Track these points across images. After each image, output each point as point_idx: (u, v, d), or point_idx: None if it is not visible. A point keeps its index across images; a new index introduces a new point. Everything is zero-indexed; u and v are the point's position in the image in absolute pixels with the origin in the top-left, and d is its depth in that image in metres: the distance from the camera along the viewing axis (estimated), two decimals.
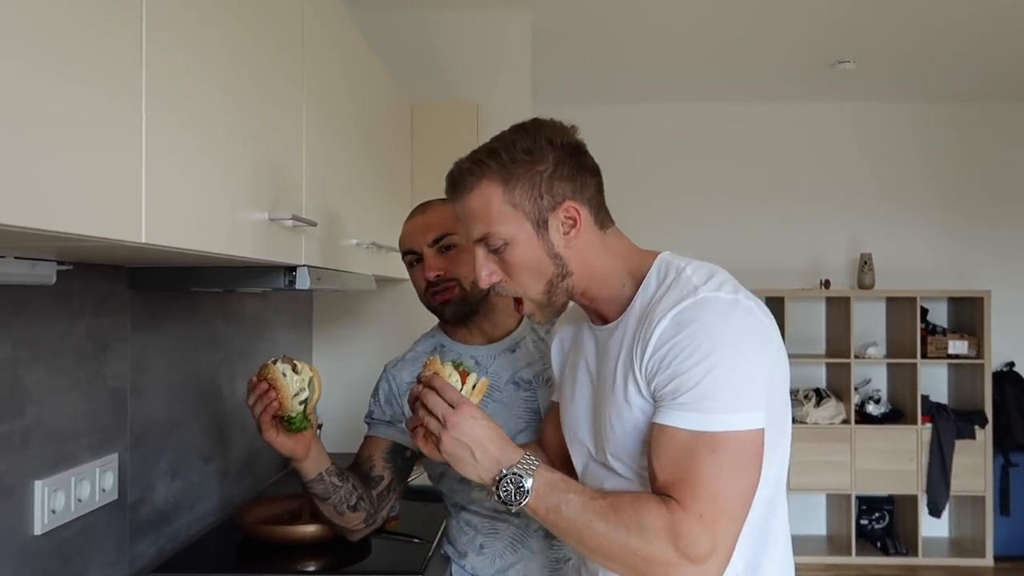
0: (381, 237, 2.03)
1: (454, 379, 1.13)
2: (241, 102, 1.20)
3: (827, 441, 4.33)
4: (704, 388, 0.97)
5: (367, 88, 2.06)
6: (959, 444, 4.30)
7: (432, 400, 1.08)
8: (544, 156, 1.08)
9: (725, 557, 0.97)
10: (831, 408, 4.38)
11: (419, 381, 1.13)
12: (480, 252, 1.11)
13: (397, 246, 1.61)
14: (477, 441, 1.06)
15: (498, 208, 1.07)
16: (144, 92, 0.90)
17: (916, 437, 4.33)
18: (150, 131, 0.90)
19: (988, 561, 4.30)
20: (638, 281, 1.11)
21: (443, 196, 1.18)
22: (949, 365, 4.63)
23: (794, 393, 4.48)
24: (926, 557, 4.33)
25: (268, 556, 1.69)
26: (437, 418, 1.07)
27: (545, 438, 1.36)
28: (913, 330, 4.38)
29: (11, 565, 1.24)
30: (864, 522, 4.53)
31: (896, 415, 4.47)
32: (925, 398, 4.42)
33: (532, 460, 1.05)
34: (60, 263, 1.26)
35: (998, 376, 4.53)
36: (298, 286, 1.44)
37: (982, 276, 4.68)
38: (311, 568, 1.64)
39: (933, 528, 4.50)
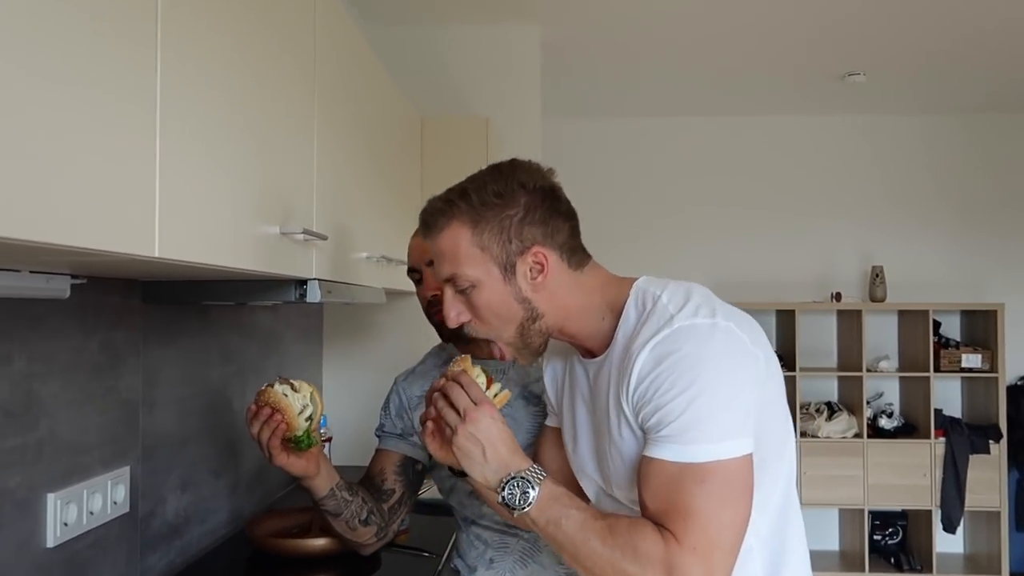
0: (391, 251, 2.04)
1: (481, 380, 1.14)
2: (253, 117, 1.21)
3: (839, 455, 4.30)
4: (687, 419, 0.96)
5: (377, 102, 2.07)
6: (973, 459, 4.26)
7: (456, 393, 1.09)
8: (515, 200, 1.08)
9: None
10: (843, 422, 4.35)
11: (445, 376, 1.13)
12: (448, 292, 1.11)
13: (406, 260, 1.62)
14: (491, 440, 1.06)
15: (466, 250, 1.08)
16: (158, 107, 0.91)
17: (930, 451, 4.29)
18: (164, 146, 0.92)
19: None
20: (617, 313, 1.10)
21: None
22: (963, 379, 4.58)
23: (805, 406, 4.45)
24: (940, 573, 4.28)
25: (278, 569, 1.69)
26: (457, 411, 1.08)
27: (541, 460, 1.33)
28: (926, 343, 4.35)
29: None
30: (877, 537, 4.49)
31: (909, 429, 4.43)
32: (938, 412, 4.38)
33: (539, 470, 1.06)
34: (74, 277, 1.27)
35: (1012, 390, 4.48)
36: (309, 299, 1.44)
37: (995, 289, 4.65)
38: None
39: (948, 544, 4.45)
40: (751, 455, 0.99)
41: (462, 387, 1.10)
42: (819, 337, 4.67)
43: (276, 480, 2.41)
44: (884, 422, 4.41)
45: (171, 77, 0.93)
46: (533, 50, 3.25)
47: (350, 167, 1.77)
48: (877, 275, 4.49)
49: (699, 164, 4.79)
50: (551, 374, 1.29)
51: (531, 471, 1.05)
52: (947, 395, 4.57)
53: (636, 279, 1.13)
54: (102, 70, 0.80)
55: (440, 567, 1.66)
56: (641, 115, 4.73)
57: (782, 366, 4.97)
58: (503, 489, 1.04)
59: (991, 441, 4.27)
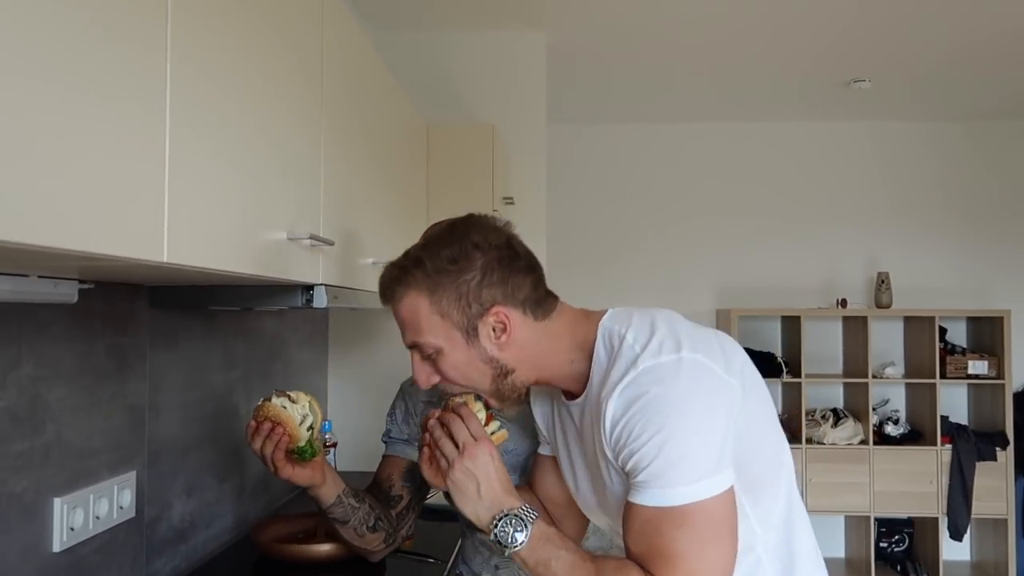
0: (397, 256, 2.03)
1: (481, 416, 1.13)
2: (261, 122, 1.21)
3: (845, 462, 4.28)
4: (660, 464, 0.95)
5: (384, 109, 2.08)
6: (980, 466, 4.24)
7: (456, 426, 1.09)
8: (471, 264, 1.07)
9: None
10: (849, 428, 4.33)
11: (445, 406, 1.13)
12: (416, 358, 1.11)
13: None
14: (487, 477, 1.06)
15: (426, 318, 1.07)
16: (168, 113, 0.91)
17: (936, 458, 4.28)
18: (173, 151, 0.92)
19: None
20: (588, 353, 1.09)
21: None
22: (969, 385, 4.57)
23: (811, 413, 4.43)
24: None
25: (283, 575, 1.69)
26: (456, 443, 1.08)
27: (536, 487, 1.32)
28: (932, 350, 4.33)
29: None
30: (883, 545, 4.47)
31: (915, 436, 4.41)
32: (944, 419, 4.36)
33: (532, 510, 1.05)
34: (82, 282, 1.28)
35: (1019, 397, 4.46)
36: (315, 304, 1.45)
37: (1002, 295, 4.63)
38: None
39: (954, 551, 4.42)
40: (731, 488, 0.98)
41: (462, 419, 1.09)
42: (825, 343, 4.66)
43: (281, 485, 2.41)
44: (890, 429, 4.39)
45: (180, 83, 0.94)
46: (539, 57, 3.25)
47: (357, 173, 1.77)
48: (883, 281, 4.48)
49: (705, 171, 4.79)
50: (540, 410, 1.27)
51: (523, 510, 1.04)
52: (953, 402, 4.55)
53: (603, 314, 1.11)
54: (112, 76, 0.80)
55: (445, 573, 1.65)
56: (646, 122, 4.74)
57: (787, 373, 4.93)
58: (495, 527, 1.04)
59: (998, 448, 4.26)
